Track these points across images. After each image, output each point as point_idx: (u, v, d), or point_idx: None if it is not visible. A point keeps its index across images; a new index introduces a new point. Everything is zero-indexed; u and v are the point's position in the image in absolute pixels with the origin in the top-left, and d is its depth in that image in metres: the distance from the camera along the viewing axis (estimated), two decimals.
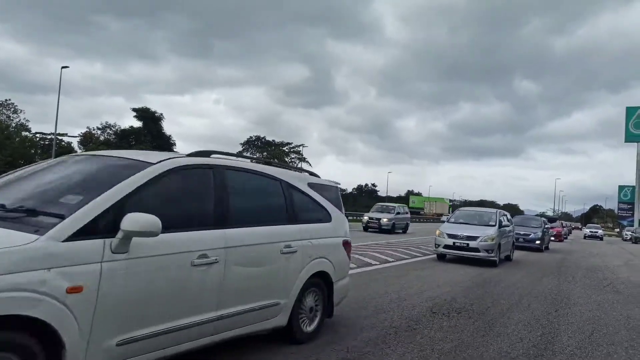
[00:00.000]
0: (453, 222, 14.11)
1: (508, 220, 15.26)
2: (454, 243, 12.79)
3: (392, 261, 11.98)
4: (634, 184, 57.72)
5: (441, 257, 13.24)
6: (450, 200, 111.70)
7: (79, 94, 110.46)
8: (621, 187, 71.71)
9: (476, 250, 12.47)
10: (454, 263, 12.62)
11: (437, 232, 13.46)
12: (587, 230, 48.95)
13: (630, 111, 56.77)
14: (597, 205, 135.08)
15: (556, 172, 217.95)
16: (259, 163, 4.55)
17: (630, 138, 56.80)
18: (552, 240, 27.27)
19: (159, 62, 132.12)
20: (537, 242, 19.68)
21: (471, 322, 5.97)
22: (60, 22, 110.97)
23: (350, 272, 5.94)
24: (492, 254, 12.53)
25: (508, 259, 14.59)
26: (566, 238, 36.56)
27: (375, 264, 11.04)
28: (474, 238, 12.61)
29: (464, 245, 12.62)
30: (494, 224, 13.47)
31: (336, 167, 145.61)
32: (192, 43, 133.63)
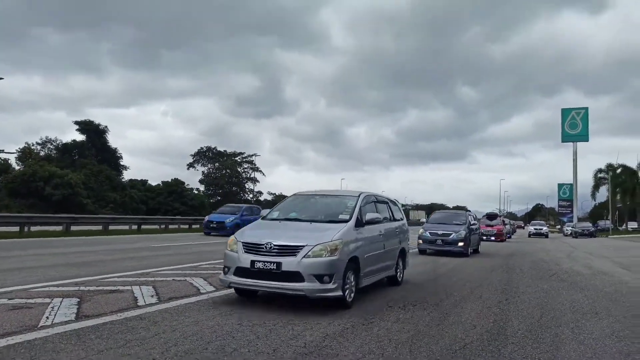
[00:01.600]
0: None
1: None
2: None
3: None
4: (572, 182, 60.88)
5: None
6: (403, 205, 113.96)
7: (17, 109, 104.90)
8: (560, 185, 75.50)
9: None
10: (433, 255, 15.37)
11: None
12: (531, 228, 46.90)
13: (565, 112, 59.97)
14: (539, 204, 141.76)
15: (499, 174, 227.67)
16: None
17: (566, 138, 59.96)
18: (491, 240, 26.36)
19: (103, 74, 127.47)
20: (460, 244, 15.60)
21: (427, 314, 6.03)
22: None
23: None
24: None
25: (476, 251, 17.77)
26: (509, 237, 34.85)
27: None
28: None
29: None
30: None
31: (289, 176, 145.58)
32: (139, 54, 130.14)
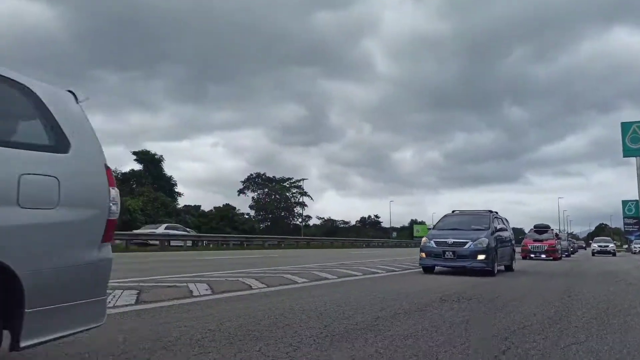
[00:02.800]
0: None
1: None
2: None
3: (399, 270, 11.81)
4: (637, 198, 57.32)
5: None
6: None
7: None
8: (625, 202, 71.05)
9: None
10: (444, 274, 10.99)
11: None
12: (595, 245, 38.84)
13: (625, 126, 56.86)
14: (602, 223, 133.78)
15: (555, 194, 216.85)
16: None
17: (628, 153, 56.60)
18: (540, 258, 21.90)
19: (156, 110, 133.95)
20: (480, 257, 10.77)
21: (482, 305, 5.83)
22: (62, 78, 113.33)
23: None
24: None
25: (509, 268, 12.80)
26: (567, 256, 29.29)
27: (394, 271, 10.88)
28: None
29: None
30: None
31: (336, 201, 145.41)
32: (188, 90, 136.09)
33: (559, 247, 23.75)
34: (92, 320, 2.61)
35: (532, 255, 22.04)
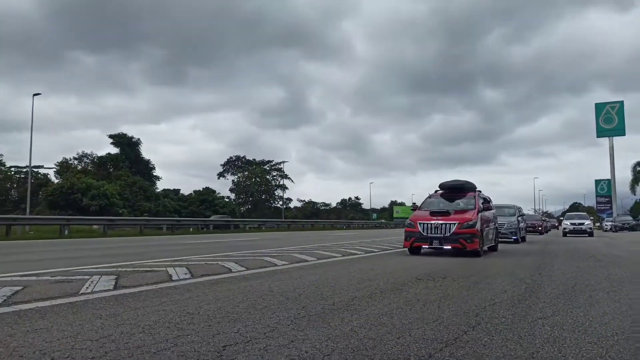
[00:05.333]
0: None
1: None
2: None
3: (377, 251, 12.01)
4: (609, 178, 58.90)
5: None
6: None
7: (54, 128, 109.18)
8: (597, 182, 73.08)
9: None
10: (425, 256, 10.95)
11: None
12: (566, 223, 30.58)
13: (599, 107, 58.06)
14: (576, 202, 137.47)
15: (530, 175, 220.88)
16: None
17: (601, 133, 57.95)
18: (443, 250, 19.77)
19: (134, 92, 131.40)
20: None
21: (455, 283, 6.01)
22: (33, 59, 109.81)
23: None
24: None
25: (493, 249, 12.74)
26: (517, 241, 28.72)
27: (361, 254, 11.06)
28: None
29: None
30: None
31: (317, 183, 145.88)
32: (167, 72, 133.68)
33: (542, 226, 22.52)
34: None
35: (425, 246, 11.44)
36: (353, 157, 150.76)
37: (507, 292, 5.35)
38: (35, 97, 34.55)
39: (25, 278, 5.84)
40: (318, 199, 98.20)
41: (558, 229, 49.37)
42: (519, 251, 13.19)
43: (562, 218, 37.07)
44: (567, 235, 29.08)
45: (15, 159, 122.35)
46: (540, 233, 30.58)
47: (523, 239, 20.07)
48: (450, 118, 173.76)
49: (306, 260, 8.96)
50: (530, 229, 28.84)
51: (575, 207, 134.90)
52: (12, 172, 61.34)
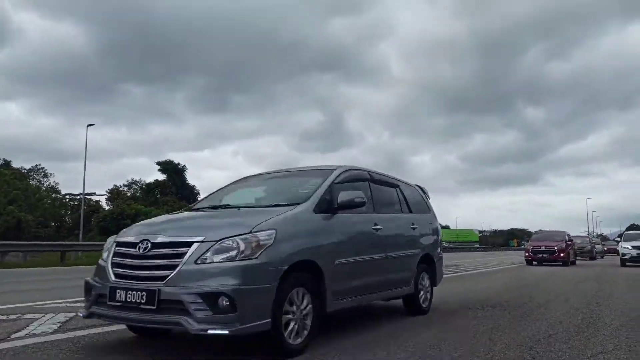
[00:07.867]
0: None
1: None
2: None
3: None
4: None
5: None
6: (480, 231, 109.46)
7: (105, 157, 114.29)
8: None
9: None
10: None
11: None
12: (626, 247, 19.79)
13: None
14: (634, 224, 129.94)
15: (578, 195, 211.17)
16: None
17: None
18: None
19: (179, 121, 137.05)
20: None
21: (507, 313, 5.75)
22: (87, 93, 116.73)
23: None
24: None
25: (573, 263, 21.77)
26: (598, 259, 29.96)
27: None
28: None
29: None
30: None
31: None
32: (210, 100, 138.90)
33: (568, 249, 20.73)
34: None
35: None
36: None
37: (562, 323, 5.07)
38: (89, 127, 36.39)
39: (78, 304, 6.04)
40: None
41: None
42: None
43: (618, 239, 28.87)
44: (628, 264, 19.44)
45: (71, 187, 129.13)
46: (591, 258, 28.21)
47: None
48: (491, 138, 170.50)
49: None
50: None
51: (633, 228, 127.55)
52: (67, 200, 64.47)
